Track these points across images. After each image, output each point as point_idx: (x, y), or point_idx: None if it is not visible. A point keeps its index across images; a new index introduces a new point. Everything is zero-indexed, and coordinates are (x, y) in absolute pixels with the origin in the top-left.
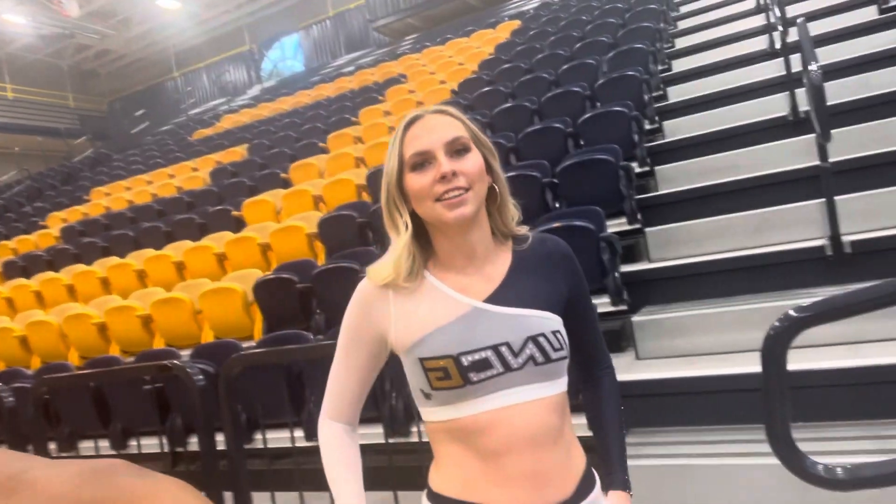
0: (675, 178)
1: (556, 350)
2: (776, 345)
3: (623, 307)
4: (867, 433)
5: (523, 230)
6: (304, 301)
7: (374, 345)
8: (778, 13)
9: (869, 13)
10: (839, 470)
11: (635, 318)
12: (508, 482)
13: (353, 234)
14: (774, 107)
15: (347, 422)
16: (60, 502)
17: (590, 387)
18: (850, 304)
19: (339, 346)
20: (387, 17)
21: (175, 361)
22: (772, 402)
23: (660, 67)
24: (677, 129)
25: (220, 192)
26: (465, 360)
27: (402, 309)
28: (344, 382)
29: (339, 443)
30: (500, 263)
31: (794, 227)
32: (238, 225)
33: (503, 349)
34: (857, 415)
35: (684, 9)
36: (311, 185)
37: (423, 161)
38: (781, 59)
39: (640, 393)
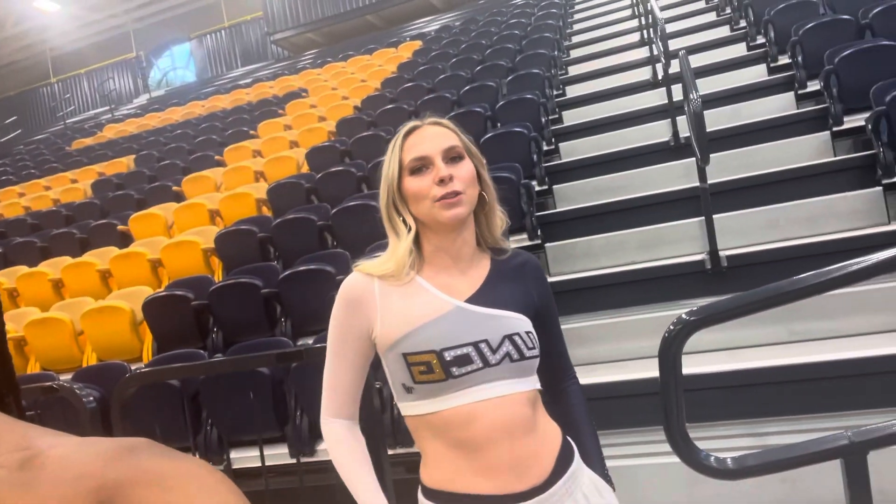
0: (573, 196)
1: (529, 349)
2: (671, 346)
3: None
4: (746, 431)
5: (506, 243)
6: (200, 319)
7: (363, 339)
8: (661, 47)
9: (739, 49)
10: (729, 461)
11: None
12: (492, 471)
13: (254, 250)
14: (658, 132)
15: (348, 417)
16: (84, 481)
17: (559, 399)
18: (732, 308)
19: (329, 343)
20: (286, 31)
21: (61, 382)
22: (668, 400)
23: (555, 92)
24: (573, 150)
25: (103, 206)
26: (448, 356)
27: (388, 305)
28: (340, 378)
29: (346, 440)
30: (481, 268)
31: (678, 243)
32: (125, 240)
33: (483, 346)
34: (737, 414)
35: (576, 38)
36: (206, 198)
37: (421, 166)
38: (664, 88)
39: None
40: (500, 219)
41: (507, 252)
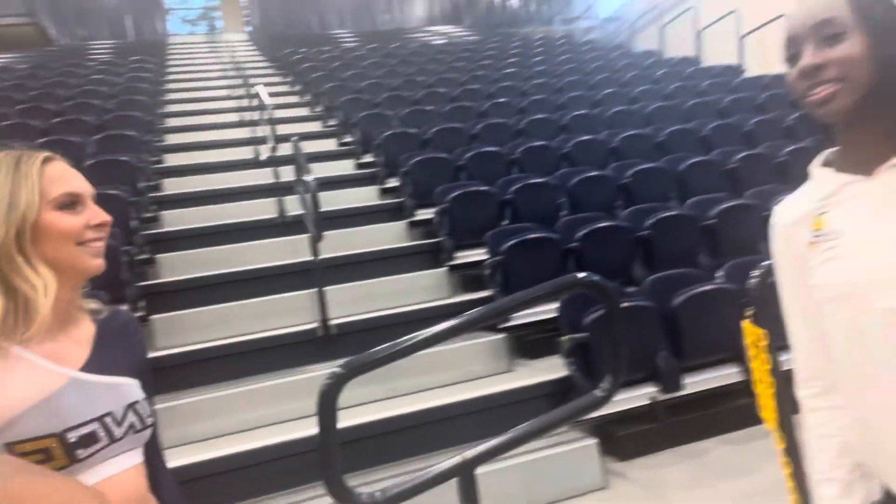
0: (180, 266)
1: (148, 416)
2: (328, 398)
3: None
4: (401, 470)
5: (99, 303)
6: None
7: None
8: (270, 130)
9: (330, 144)
10: (378, 494)
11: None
12: None
13: None
14: (263, 208)
15: None
16: None
17: (158, 472)
18: (378, 359)
19: None
20: None
21: None
22: (328, 448)
23: (153, 158)
24: (179, 219)
25: None
26: (72, 437)
27: None
28: None
29: None
30: (84, 328)
31: (292, 314)
32: None
33: (108, 419)
34: (392, 457)
35: (172, 108)
36: None
37: (72, 202)
38: (267, 167)
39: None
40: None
41: (103, 311)
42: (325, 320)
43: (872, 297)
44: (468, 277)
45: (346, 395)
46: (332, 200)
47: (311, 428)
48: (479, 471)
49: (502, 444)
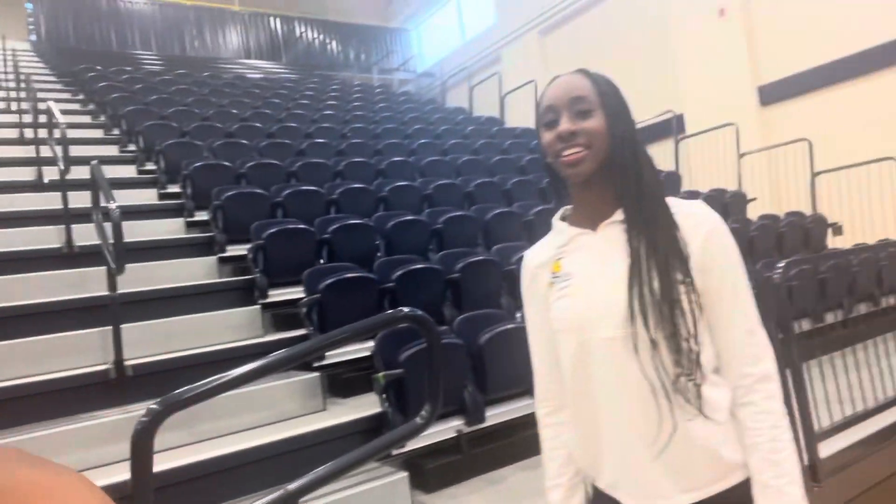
0: None
1: None
2: (144, 436)
3: None
4: None
5: None
6: None
7: None
8: (61, 151)
9: (129, 170)
10: None
11: None
12: None
13: None
14: (45, 237)
15: None
16: None
17: None
18: (194, 395)
19: None
20: None
21: None
22: (141, 492)
23: None
24: None
25: None
26: None
27: None
28: None
29: None
30: None
31: (81, 353)
32: None
33: None
34: (207, 501)
35: None
36: None
37: None
38: (54, 191)
39: None
40: None
41: None
42: (119, 361)
43: (596, 328)
44: (282, 316)
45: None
46: (131, 231)
47: (103, 476)
48: None
49: (327, 475)
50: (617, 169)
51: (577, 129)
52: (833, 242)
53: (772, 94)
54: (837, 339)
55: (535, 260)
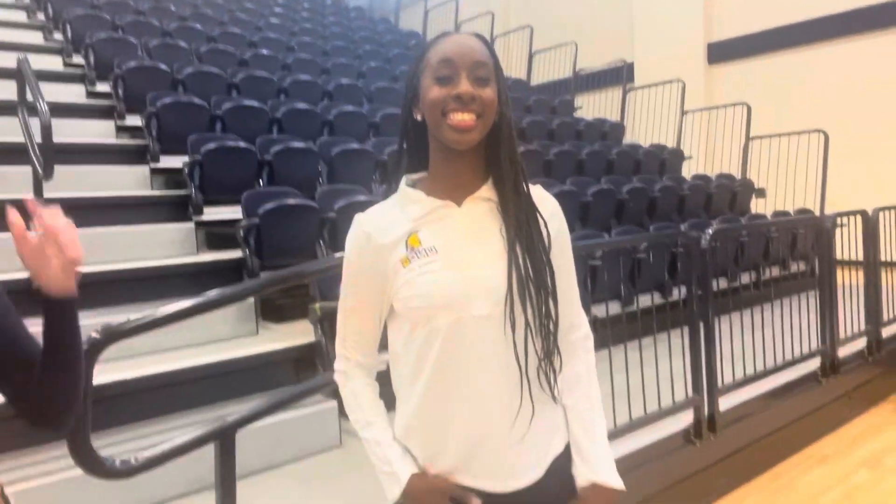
0: None
1: None
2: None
3: None
4: (148, 430)
5: None
6: None
7: None
8: None
9: (55, 62)
10: (133, 460)
11: None
12: None
13: None
14: None
15: None
16: None
17: None
18: (133, 327)
19: None
20: None
21: None
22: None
23: None
24: None
25: None
26: None
27: None
28: None
29: None
30: None
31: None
32: None
33: None
34: (137, 417)
35: None
36: None
37: None
38: None
39: None
40: None
41: None
42: None
43: (469, 306)
44: (217, 235)
45: None
46: (56, 131)
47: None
48: None
49: (267, 407)
50: (493, 144)
51: (477, 94)
52: (756, 206)
53: (719, 53)
54: (749, 298)
55: (382, 236)
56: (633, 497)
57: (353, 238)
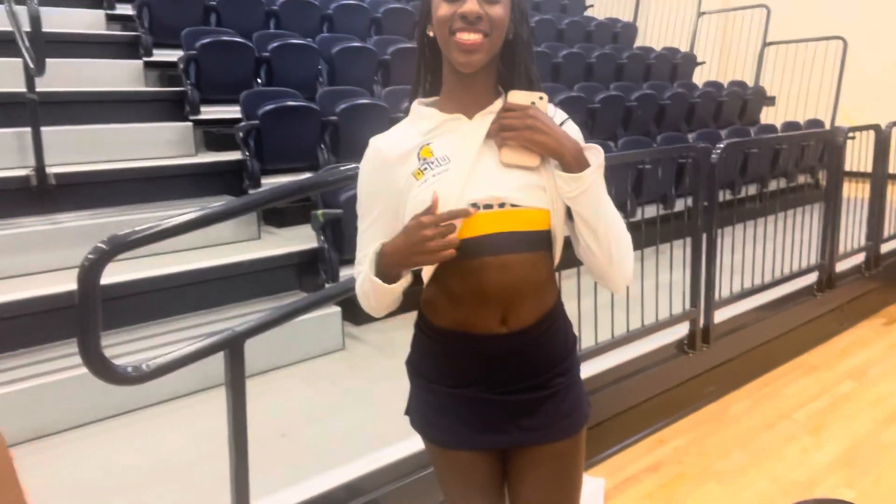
0: None
1: None
2: (91, 273)
3: None
4: (154, 331)
5: None
6: None
7: None
8: None
9: None
10: (144, 367)
11: None
12: None
13: None
14: None
15: None
16: None
17: None
18: (141, 237)
19: None
20: None
21: None
22: (87, 325)
23: None
24: None
25: None
26: None
27: None
28: None
29: None
30: None
31: None
32: None
33: None
34: (144, 318)
35: None
36: None
37: None
38: None
39: None
40: None
41: None
42: (41, 168)
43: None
44: (215, 136)
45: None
46: (46, 21)
47: (30, 286)
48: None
49: (276, 317)
50: (507, 63)
51: (485, 13)
52: (766, 115)
53: None
54: (753, 211)
55: (393, 150)
56: (625, 403)
57: (366, 158)
